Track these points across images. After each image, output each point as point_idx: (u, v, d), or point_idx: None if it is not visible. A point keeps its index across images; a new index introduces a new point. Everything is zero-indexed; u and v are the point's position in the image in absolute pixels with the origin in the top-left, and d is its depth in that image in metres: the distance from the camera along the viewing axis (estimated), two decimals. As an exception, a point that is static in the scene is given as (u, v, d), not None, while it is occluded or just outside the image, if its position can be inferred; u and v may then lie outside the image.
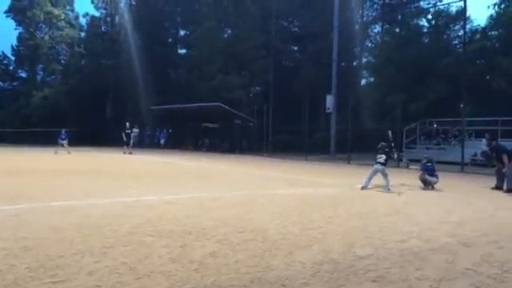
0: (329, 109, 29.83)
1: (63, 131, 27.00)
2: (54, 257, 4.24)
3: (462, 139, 21.98)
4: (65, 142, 26.29)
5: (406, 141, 24.81)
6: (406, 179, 14.07)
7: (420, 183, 12.34)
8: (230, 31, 44.18)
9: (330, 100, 29.66)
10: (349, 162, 23.40)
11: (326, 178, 15.03)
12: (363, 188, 11.46)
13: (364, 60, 41.38)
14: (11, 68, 65.30)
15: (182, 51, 51.55)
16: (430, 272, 4.24)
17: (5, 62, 65.91)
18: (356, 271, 4.17)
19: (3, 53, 65.16)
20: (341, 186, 12.14)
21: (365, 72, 40.40)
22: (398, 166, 21.23)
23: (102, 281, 3.61)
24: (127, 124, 28.60)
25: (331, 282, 3.86)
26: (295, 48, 46.47)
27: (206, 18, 42.23)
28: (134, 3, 48.93)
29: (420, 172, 12.54)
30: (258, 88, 44.15)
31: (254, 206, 7.98)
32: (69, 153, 24.76)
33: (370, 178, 11.78)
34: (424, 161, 12.91)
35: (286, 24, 44.54)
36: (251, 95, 43.22)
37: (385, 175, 11.68)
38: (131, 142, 28.52)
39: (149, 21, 46.10)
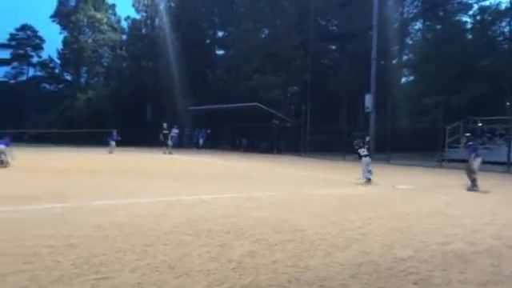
0: (368, 108, 29.38)
1: (114, 132, 27.57)
2: (97, 254, 4.37)
3: (508, 138, 21.17)
4: (113, 143, 26.93)
5: (448, 140, 24.10)
6: (449, 180, 13.68)
7: (466, 182, 11.86)
8: (267, 31, 44.17)
9: (368, 99, 29.22)
10: (388, 162, 22.95)
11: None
12: (369, 180, 12.61)
13: (404, 58, 40.53)
14: (57, 71, 67.84)
15: (220, 52, 52.03)
16: (474, 275, 4.11)
17: (51, 65, 68.57)
18: (396, 273, 4.09)
19: (50, 57, 67.80)
20: (380, 187, 11.92)
21: (405, 70, 39.58)
22: (440, 166, 20.70)
23: (143, 278, 3.69)
24: (164, 125, 29.04)
25: (371, 283, 3.81)
26: (333, 47, 46.07)
27: (243, 19, 42.43)
28: (173, 5, 49.68)
29: (469, 162, 11.86)
30: (295, 88, 43.99)
31: (291, 206, 7.95)
32: (110, 152, 25.41)
33: (369, 170, 12.88)
34: (464, 140, 12.45)
35: (324, 23, 44.22)
36: (289, 95, 43.10)
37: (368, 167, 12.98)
38: (170, 142, 28.93)
39: (187, 23, 46.74)
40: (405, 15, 40.68)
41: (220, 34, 52.41)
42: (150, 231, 5.53)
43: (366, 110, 29.77)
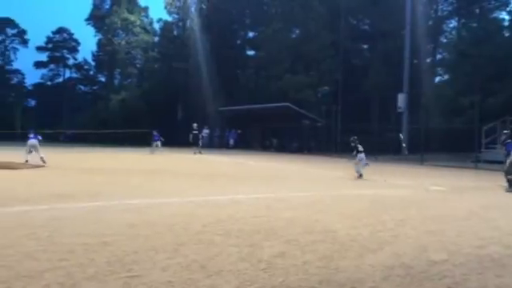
0: (400, 108, 28.91)
1: (155, 132, 27.86)
2: (129, 252, 4.44)
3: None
4: (158, 143, 27.29)
5: (485, 140, 23.45)
6: (484, 181, 13.32)
7: (502, 183, 11.51)
8: (297, 31, 44.06)
9: (401, 99, 28.75)
10: (422, 163, 22.50)
11: (398, 178, 14.57)
12: (361, 176, 13.91)
13: (438, 57, 39.68)
14: (92, 73, 69.57)
15: (251, 52, 52.15)
16: (511, 280, 3.98)
17: (86, 67, 70.40)
18: (430, 276, 4.00)
19: (85, 59, 69.59)
20: (414, 188, 11.70)
21: (439, 69, 38.74)
22: (476, 168, 20.16)
23: (174, 277, 3.73)
24: (194, 125, 29.26)
25: (403, 286, 3.73)
26: (365, 46, 45.53)
27: (274, 19, 42.44)
28: (204, 7, 50.13)
29: (506, 163, 11.55)
30: (326, 88, 43.68)
31: (322, 207, 7.89)
32: (152, 153, 25.79)
33: (365, 164, 14.31)
34: (503, 136, 12.13)
35: (355, 22, 43.76)
36: (319, 95, 42.86)
37: (365, 164, 14.41)
38: (200, 142, 29.16)
39: (218, 24, 47.08)
40: (439, 13, 39.86)
41: (251, 34, 52.57)
42: (180, 230, 5.59)
43: (399, 110, 29.30)
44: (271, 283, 3.67)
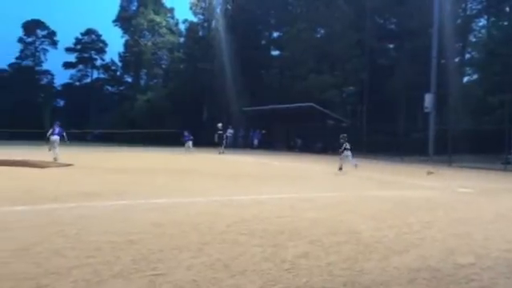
0: (427, 108, 28.40)
1: (186, 132, 28.02)
2: (155, 251, 4.49)
3: None
4: (190, 143, 27.47)
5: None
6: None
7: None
8: (322, 31, 43.83)
9: (428, 99, 28.23)
10: (450, 165, 22.07)
11: (424, 180, 14.33)
12: (341, 169, 16.09)
13: (467, 56, 38.87)
14: (118, 73, 70.73)
15: (275, 53, 52.14)
16: (543, 285, 3.87)
17: (113, 68, 71.61)
18: (457, 280, 3.93)
19: (112, 60, 70.82)
20: (441, 190, 11.49)
21: (467, 69, 37.95)
22: (505, 169, 19.68)
23: (198, 276, 3.76)
24: (219, 125, 29.40)
25: (429, 290, 3.68)
26: (391, 46, 44.93)
27: (299, 19, 42.32)
28: (229, 8, 50.36)
29: None
30: (351, 88, 43.36)
31: (347, 208, 7.83)
32: (186, 153, 26.03)
33: (351, 164, 16.12)
34: None
35: (381, 21, 43.24)
36: (344, 95, 42.55)
37: (348, 160, 16.29)
38: (224, 142, 29.29)
39: (243, 24, 47.23)
40: (467, 12, 39.02)
41: (275, 34, 52.57)
42: (205, 230, 5.63)
43: (426, 110, 28.79)
44: (295, 284, 3.66)
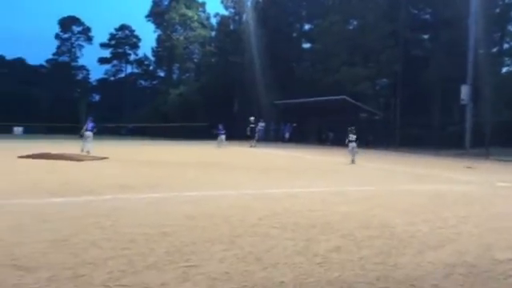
0: (463, 100, 27.65)
1: (220, 126, 27.97)
2: (188, 243, 4.55)
3: None
4: (223, 137, 27.46)
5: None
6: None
7: None
8: (355, 22, 43.16)
9: (465, 90, 27.47)
10: (487, 158, 21.44)
11: (460, 174, 13.98)
12: (353, 162, 16.55)
13: (505, 46, 37.55)
14: (151, 68, 71.75)
15: (307, 45, 51.72)
16: None
17: (146, 62, 72.70)
18: (494, 276, 3.82)
19: (145, 54, 71.88)
20: (478, 184, 11.19)
21: (506, 59, 36.68)
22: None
23: (230, 268, 3.78)
24: (251, 119, 29.41)
25: (466, 285, 3.59)
26: (425, 36, 43.80)
27: (331, 11, 41.82)
28: (260, 0, 50.22)
29: None
30: (384, 80, 42.60)
31: (379, 202, 7.72)
32: (218, 147, 26.11)
33: (354, 154, 16.74)
34: None
35: (416, 11, 42.17)
36: (377, 87, 41.86)
37: (355, 152, 16.86)
38: (256, 135, 29.31)
39: (274, 17, 47.03)
40: (506, 0, 37.63)
41: (307, 27, 52.13)
42: (237, 222, 5.65)
43: (462, 102, 28.04)
44: (327, 278, 3.64)
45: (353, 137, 17.06)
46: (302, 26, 52.76)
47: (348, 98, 33.15)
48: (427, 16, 42.64)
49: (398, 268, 3.95)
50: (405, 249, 4.61)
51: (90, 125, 19.15)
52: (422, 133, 30.68)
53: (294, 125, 40.86)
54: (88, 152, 17.60)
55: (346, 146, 17.38)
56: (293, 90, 43.19)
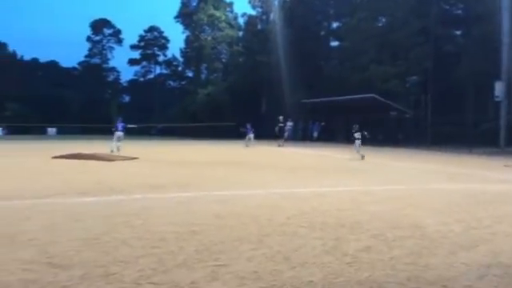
0: (498, 97, 26.90)
1: (248, 125, 28.05)
2: (216, 242, 4.57)
3: None
4: (251, 136, 27.59)
5: None
6: None
7: None
8: (383, 19, 42.56)
9: (499, 87, 26.72)
10: (523, 156, 20.81)
11: (495, 172, 13.60)
12: (363, 157, 17.65)
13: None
14: (180, 69, 72.55)
15: (335, 43, 51.33)
16: None
17: (174, 63, 73.58)
18: (532, 278, 3.70)
19: (174, 55, 72.76)
20: (513, 183, 10.86)
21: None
22: None
23: (259, 267, 3.78)
24: (280, 118, 29.36)
25: (500, 287, 3.48)
26: (457, 32, 42.78)
27: (359, 8, 41.37)
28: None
29: None
30: (414, 77, 41.85)
31: (410, 201, 7.58)
32: (246, 146, 26.22)
33: (358, 151, 18.06)
34: None
35: (447, 7, 41.24)
36: (407, 85, 41.15)
37: (359, 148, 18.24)
38: (285, 135, 29.25)
39: (302, 15, 46.84)
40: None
41: (335, 25, 51.70)
42: (265, 222, 5.65)
43: (496, 99, 27.28)
44: (357, 278, 3.60)
45: (357, 134, 18.46)
46: (329, 25, 52.38)
47: (377, 97, 32.72)
48: (459, 11, 41.65)
49: (429, 268, 3.87)
50: (436, 249, 4.51)
51: (120, 125, 19.57)
52: (454, 130, 29.97)
53: (323, 123, 40.58)
54: (118, 150, 18.00)
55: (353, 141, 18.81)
56: (321, 88, 42.91)
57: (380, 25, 42.31)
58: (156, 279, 3.44)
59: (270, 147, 26.95)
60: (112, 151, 18.18)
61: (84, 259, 3.90)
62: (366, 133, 18.73)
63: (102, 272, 3.57)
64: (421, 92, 36.89)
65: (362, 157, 17.68)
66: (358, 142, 18.41)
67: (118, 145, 18.73)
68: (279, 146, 28.02)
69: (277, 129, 29.12)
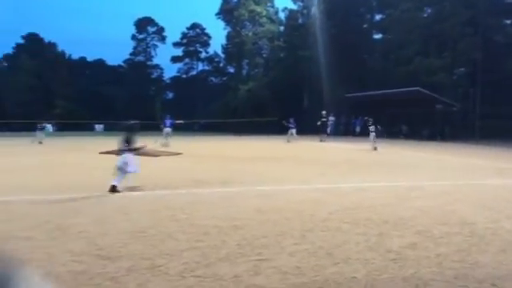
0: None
1: (291, 120, 27.93)
2: (258, 236, 4.61)
3: None
4: (293, 131, 27.52)
5: None
6: None
7: None
8: (429, 10, 41.28)
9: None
10: None
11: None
12: (376, 149, 19.09)
13: None
14: (221, 65, 73.11)
15: (378, 36, 50.28)
16: None
17: (216, 59, 74.17)
18: None
19: (215, 52, 73.38)
20: None
21: None
22: None
23: (301, 262, 3.79)
24: (323, 112, 29.06)
25: (555, 287, 3.34)
26: (508, 22, 40.92)
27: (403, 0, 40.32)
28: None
29: None
30: (462, 69, 40.43)
31: (457, 197, 7.36)
32: (288, 141, 26.15)
33: (375, 142, 19.52)
34: None
35: (497, -4, 39.50)
36: (454, 77, 39.81)
37: (375, 141, 19.65)
38: (328, 130, 28.96)
39: (343, 8, 46.15)
40: None
41: (377, 17, 50.59)
42: (307, 217, 5.64)
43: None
44: (402, 274, 3.54)
45: (372, 128, 20.11)
46: (372, 17, 51.29)
47: (422, 90, 31.83)
48: (510, 0, 39.83)
49: (478, 266, 3.76)
50: (486, 246, 4.37)
51: (168, 121, 20.24)
52: (505, 124, 28.78)
53: (366, 118, 39.85)
54: (166, 145, 18.64)
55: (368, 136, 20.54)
56: (364, 82, 42.18)
57: (425, 16, 41.09)
58: (199, 272, 3.51)
59: (311, 142, 26.77)
60: (162, 145, 18.84)
61: (131, 251, 4.02)
62: (379, 126, 20.42)
63: (148, 264, 3.67)
64: (469, 84, 35.57)
65: (375, 148, 19.30)
66: (372, 135, 20.04)
67: (166, 141, 19.31)
68: (321, 140, 27.78)
69: (320, 123, 28.84)
